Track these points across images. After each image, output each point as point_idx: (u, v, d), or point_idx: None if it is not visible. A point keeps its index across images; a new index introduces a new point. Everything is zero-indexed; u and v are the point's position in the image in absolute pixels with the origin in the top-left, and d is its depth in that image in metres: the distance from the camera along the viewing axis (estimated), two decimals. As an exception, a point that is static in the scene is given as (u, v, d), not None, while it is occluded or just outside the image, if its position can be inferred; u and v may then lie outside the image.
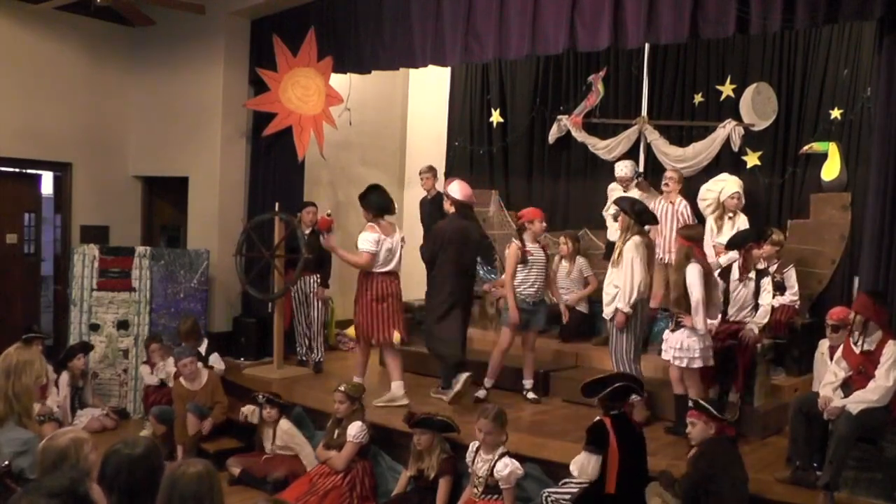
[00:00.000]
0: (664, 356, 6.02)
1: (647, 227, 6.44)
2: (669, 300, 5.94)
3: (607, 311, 6.31)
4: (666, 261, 7.55)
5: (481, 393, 6.93)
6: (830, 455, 4.88)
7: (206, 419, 6.83)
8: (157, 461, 2.97)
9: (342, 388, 6.12)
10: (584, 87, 9.01)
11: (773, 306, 7.00)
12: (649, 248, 6.37)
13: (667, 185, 7.75)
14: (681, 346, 5.78)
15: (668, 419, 6.26)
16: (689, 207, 7.64)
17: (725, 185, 7.60)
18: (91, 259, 8.05)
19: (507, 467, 5.18)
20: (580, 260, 8.23)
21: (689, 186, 8.24)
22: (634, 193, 7.89)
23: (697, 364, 5.78)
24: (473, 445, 5.39)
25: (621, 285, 6.18)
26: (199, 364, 7.09)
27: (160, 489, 2.84)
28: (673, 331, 5.89)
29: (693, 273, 5.75)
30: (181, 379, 6.93)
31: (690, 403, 4.94)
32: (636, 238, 6.23)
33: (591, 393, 5.12)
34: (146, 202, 9.70)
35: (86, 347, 7.68)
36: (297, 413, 6.97)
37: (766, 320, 6.08)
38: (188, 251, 8.59)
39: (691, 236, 6.03)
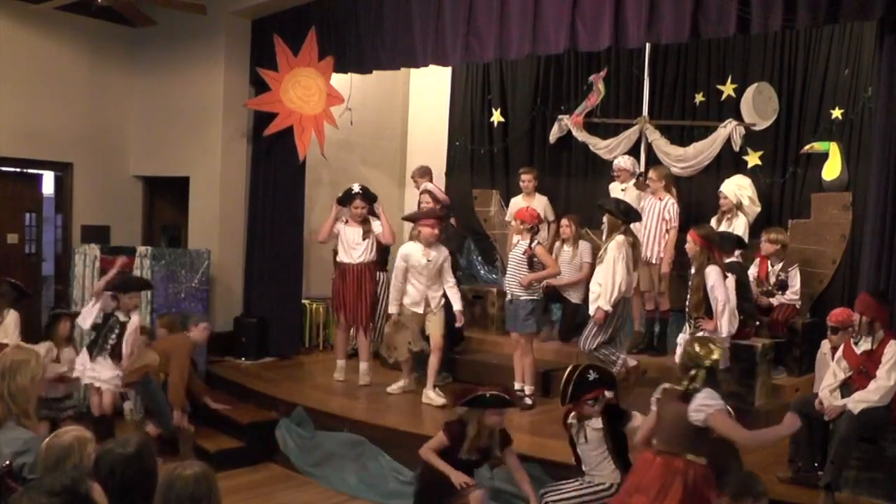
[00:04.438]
0: (678, 360, 5.98)
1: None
2: (686, 302, 5.91)
3: (592, 308, 6.51)
4: (654, 260, 7.56)
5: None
6: (832, 455, 4.88)
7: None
8: (150, 460, 2.97)
9: None
10: (584, 86, 9.00)
11: (772, 305, 7.05)
12: (634, 247, 6.53)
13: (648, 185, 7.76)
14: None
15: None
16: (675, 206, 7.56)
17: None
18: (92, 259, 8.05)
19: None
20: (583, 244, 7.97)
21: (691, 186, 8.26)
22: (632, 192, 7.91)
23: (721, 366, 5.76)
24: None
25: (603, 282, 6.35)
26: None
27: (157, 491, 2.84)
28: (693, 334, 5.85)
29: (714, 276, 5.73)
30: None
31: None
32: (619, 237, 6.42)
33: (568, 398, 4.98)
34: (147, 202, 9.70)
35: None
36: (298, 413, 6.97)
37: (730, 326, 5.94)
38: (189, 251, 8.59)
39: (708, 236, 5.95)
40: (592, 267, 7.71)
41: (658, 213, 7.57)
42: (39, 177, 9.14)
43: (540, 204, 8.24)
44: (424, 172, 8.65)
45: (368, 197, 7.59)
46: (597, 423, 4.93)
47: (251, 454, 6.89)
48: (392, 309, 7.11)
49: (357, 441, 6.42)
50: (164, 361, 6.67)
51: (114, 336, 6.39)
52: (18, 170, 8.87)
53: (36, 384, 4.02)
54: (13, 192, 8.82)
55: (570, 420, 5.06)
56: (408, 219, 7.39)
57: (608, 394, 4.96)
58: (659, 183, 7.62)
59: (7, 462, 3.51)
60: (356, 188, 7.62)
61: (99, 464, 2.90)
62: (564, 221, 8.02)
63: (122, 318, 6.44)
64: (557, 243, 8.05)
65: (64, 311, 7.03)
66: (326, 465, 6.51)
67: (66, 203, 9.08)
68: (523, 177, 8.51)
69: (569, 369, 5.03)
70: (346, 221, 7.60)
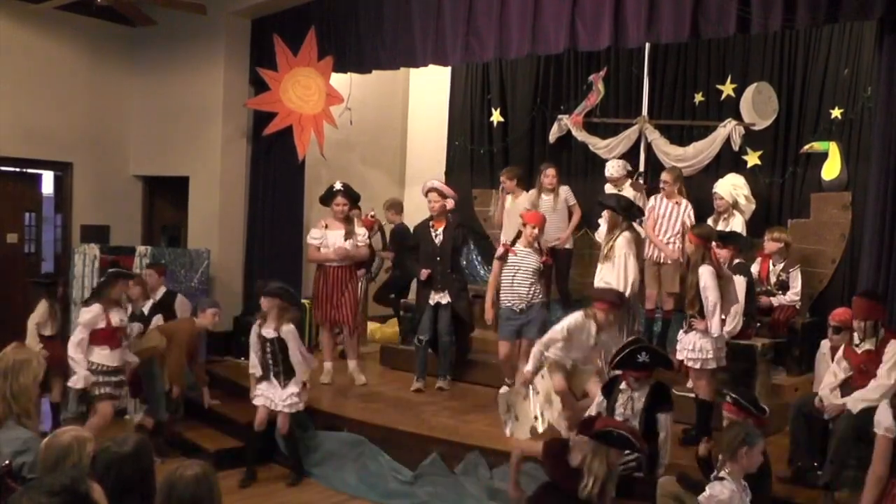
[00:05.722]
0: (679, 356, 5.98)
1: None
2: (685, 301, 5.89)
3: None
4: (663, 260, 7.54)
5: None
6: (831, 454, 4.88)
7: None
8: (147, 459, 2.98)
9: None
10: (584, 86, 9.00)
11: (773, 305, 7.04)
12: (638, 243, 6.47)
13: (663, 188, 7.69)
14: (693, 348, 5.72)
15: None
16: (692, 212, 7.43)
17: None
18: (92, 259, 8.05)
19: None
20: (563, 189, 7.90)
21: (691, 186, 8.24)
22: (629, 192, 7.87)
23: (711, 366, 5.72)
24: None
25: (614, 281, 6.25)
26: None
27: (158, 492, 2.84)
28: (686, 332, 5.84)
29: (706, 275, 5.66)
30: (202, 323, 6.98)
31: (728, 399, 4.81)
32: (627, 234, 6.34)
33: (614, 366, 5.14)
34: (147, 202, 9.72)
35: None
36: (298, 413, 6.94)
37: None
38: (189, 251, 8.60)
39: (705, 235, 5.90)
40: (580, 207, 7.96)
41: (676, 217, 7.38)
42: (39, 176, 9.16)
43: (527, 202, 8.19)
44: (392, 205, 8.79)
45: (350, 195, 7.50)
46: (640, 399, 4.97)
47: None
48: (529, 369, 5.85)
49: (357, 441, 6.42)
50: (168, 343, 6.66)
51: (280, 354, 6.32)
52: (18, 169, 8.89)
53: (38, 384, 4.03)
54: (13, 192, 8.83)
55: (621, 387, 5.08)
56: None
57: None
58: (674, 186, 7.43)
59: (7, 462, 3.51)
60: (338, 185, 7.50)
61: (95, 463, 2.90)
62: (551, 171, 7.90)
63: (281, 333, 6.31)
64: (533, 191, 7.98)
65: (126, 273, 6.68)
66: (326, 465, 6.51)
67: (65, 203, 9.09)
68: (500, 178, 8.40)
69: (628, 340, 5.26)
70: (326, 226, 7.45)
